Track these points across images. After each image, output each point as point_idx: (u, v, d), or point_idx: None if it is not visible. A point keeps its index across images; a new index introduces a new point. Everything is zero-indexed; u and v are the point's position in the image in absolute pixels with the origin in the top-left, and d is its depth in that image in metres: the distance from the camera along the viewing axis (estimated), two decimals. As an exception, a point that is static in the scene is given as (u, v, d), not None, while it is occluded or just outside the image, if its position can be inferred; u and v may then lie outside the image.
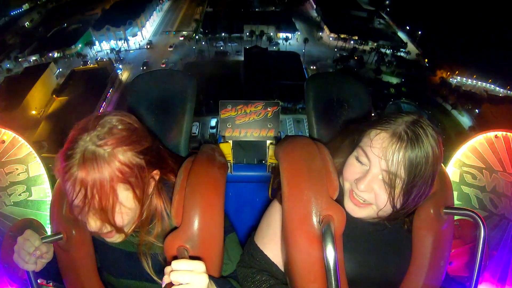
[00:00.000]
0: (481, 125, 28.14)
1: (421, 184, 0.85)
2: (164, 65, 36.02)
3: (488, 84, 35.93)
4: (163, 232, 0.98)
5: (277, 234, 1.01)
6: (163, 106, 1.39)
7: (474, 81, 36.77)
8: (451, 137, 26.51)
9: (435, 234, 0.96)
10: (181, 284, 0.74)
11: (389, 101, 31.31)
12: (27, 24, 46.36)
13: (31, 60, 37.94)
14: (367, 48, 40.87)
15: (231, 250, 1.07)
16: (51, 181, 1.59)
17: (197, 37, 42.33)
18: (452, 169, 1.60)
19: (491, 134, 1.56)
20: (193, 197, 0.93)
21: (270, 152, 1.56)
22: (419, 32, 43.37)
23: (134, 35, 42.16)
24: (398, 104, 30.69)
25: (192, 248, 0.89)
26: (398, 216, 0.92)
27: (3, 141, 1.56)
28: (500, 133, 1.54)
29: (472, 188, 1.56)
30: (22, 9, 48.53)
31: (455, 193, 1.56)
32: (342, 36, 41.63)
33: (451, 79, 37.35)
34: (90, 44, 40.41)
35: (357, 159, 0.91)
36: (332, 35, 42.51)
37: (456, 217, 1.07)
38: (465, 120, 31.56)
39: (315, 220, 0.86)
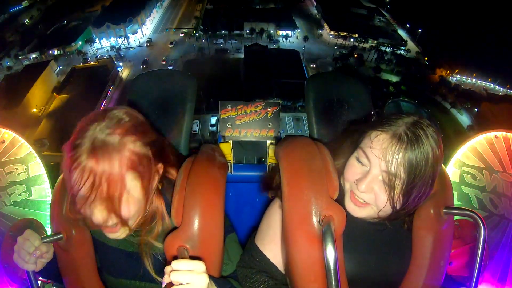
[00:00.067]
0: (480, 124, 28.10)
1: (421, 185, 0.85)
2: (164, 62, 35.90)
3: (487, 83, 35.84)
4: (164, 232, 0.98)
5: (277, 235, 1.01)
6: (163, 106, 1.38)
7: (474, 79, 36.67)
8: (449, 135, 26.42)
9: (435, 234, 0.96)
10: (181, 284, 0.74)
11: (389, 99, 31.08)
12: (26, 21, 46.05)
13: (31, 58, 37.69)
14: (367, 46, 40.65)
15: (231, 250, 1.07)
16: (51, 181, 1.59)
17: (197, 34, 42.13)
18: (452, 169, 1.61)
19: (491, 135, 1.56)
20: (193, 197, 0.93)
21: (270, 152, 1.56)
22: (419, 30, 43.16)
23: (134, 32, 41.91)
24: (397, 102, 30.44)
25: (192, 248, 0.89)
26: (398, 216, 0.93)
27: (3, 141, 1.56)
28: (500, 133, 1.55)
29: (472, 188, 1.56)
30: (22, 6, 48.19)
31: (455, 193, 1.56)
32: (342, 34, 41.44)
33: (450, 78, 37.17)
34: (90, 41, 40.12)
35: (358, 159, 0.92)
36: (332, 32, 42.31)
37: (456, 217, 1.07)
38: (464, 119, 31.42)
39: (315, 220, 0.86)
